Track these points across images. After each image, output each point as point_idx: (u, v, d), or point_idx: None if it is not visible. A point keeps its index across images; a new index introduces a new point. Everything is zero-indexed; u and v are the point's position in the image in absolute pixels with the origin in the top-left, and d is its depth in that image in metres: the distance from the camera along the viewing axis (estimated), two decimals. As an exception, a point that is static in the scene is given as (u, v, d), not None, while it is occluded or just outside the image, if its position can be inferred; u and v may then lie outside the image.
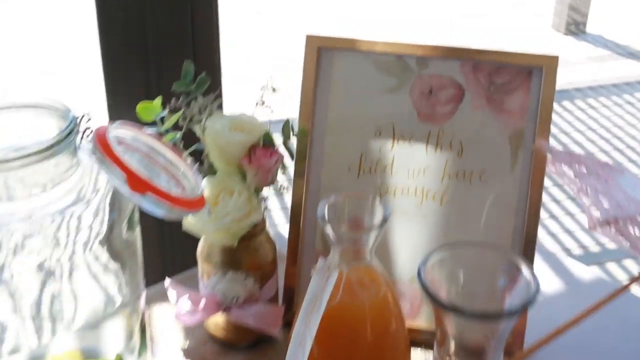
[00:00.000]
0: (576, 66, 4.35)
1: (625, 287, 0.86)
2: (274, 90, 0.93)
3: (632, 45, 4.78)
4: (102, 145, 0.68)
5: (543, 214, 2.86)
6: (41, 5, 4.75)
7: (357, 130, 0.95)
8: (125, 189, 0.67)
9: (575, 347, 0.96)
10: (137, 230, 0.78)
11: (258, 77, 3.71)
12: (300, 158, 0.95)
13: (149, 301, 1.03)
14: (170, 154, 0.79)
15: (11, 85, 3.88)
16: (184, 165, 0.79)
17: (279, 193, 0.92)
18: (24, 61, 4.16)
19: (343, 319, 0.77)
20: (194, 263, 0.96)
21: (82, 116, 0.71)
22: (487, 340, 0.66)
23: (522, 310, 0.61)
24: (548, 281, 1.12)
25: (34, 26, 4.42)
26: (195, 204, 0.74)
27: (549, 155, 0.88)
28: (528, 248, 0.92)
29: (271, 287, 0.93)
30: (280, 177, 0.89)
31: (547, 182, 3.02)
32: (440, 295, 0.65)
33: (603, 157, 3.36)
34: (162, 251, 1.40)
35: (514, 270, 0.68)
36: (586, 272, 1.14)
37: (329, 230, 0.74)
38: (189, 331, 0.99)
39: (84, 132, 0.71)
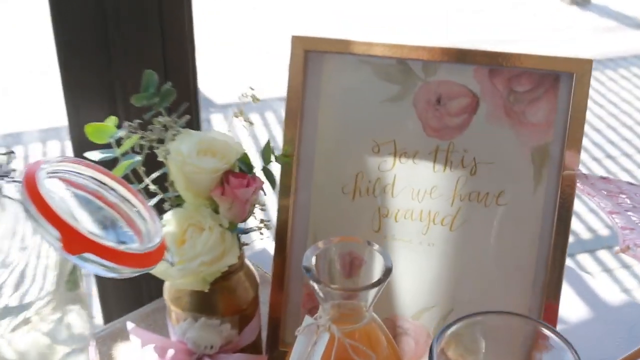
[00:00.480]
0: (581, 38, 4.19)
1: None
2: (255, 100, 0.79)
3: (639, 16, 4.61)
4: (30, 192, 0.54)
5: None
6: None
7: (353, 146, 0.81)
8: (59, 249, 0.53)
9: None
10: (82, 285, 0.64)
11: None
12: (286, 177, 0.81)
13: (115, 337, 0.90)
14: (123, 190, 0.64)
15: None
16: (139, 202, 0.64)
17: (257, 233, 0.76)
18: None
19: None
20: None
21: (8, 153, 0.57)
22: None
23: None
24: (574, 309, 0.98)
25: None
26: (151, 258, 0.60)
27: (579, 185, 0.74)
28: (553, 283, 0.78)
29: (252, 330, 0.80)
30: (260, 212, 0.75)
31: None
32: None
33: (611, 135, 3.21)
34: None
35: (541, 341, 0.54)
36: (613, 298, 1.01)
37: (316, 287, 0.60)
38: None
39: (5, 175, 0.56)
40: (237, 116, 0.80)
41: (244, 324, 0.78)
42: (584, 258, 2.53)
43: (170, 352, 0.77)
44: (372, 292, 0.60)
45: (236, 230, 0.74)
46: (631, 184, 0.71)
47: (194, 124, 1.12)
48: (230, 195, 0.70)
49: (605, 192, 0.72)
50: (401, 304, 0.83)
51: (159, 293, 0.82)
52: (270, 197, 0.83)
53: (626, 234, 0.83)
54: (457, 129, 0.79)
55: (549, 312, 0.79)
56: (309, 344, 0.62)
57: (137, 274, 0.61)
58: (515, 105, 0.78)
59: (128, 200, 0.64)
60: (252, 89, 0.79)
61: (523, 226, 0.79)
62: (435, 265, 0.81)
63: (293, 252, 0.84)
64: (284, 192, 0.82)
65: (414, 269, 0.82)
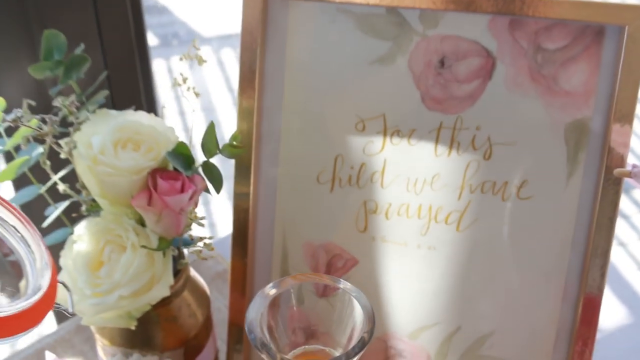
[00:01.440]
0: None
1: None
2: (201, 61, 0.59)
3: None
4: None
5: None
6: None
7: (330, 121, 0.62)
8: None
9: None
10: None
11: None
12: (243, 164, 0.62)
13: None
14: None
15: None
16: (20, 223, 0.46)
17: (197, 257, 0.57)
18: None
19: None
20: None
21: None
22: None
23: None
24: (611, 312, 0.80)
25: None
26: (33, 315, 0.42)
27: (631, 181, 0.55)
28: (591, 297, 0.60)
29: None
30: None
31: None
32: None
33: None
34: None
35: None
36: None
37: (266, 357, 0.42)
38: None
39: None
40: (179, 85, 0.60)
41: (192, 355, 0.61)
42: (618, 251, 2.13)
43: (97, 395, 0.60)
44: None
45: (173, 244, 0.56)
46: None
47: (139, 99, 0.89)
48: (159, 205, 0.52)
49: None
50: (395, 321, 0.65)
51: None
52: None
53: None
54: (467, 100, 0.60)
55: (584, 330, 0.61)
56: None
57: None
58: (544, 68, 0.58)
59: (5, 222, 0.45)
60: (197, 47, 0.60)
61: (552, 226, 0.61)
62: (437, 274, 0.63)
63: (256, 254, 0.66)
64: (242, 184, 0.63)
65: (410, 278, 0.64)
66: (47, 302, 0.43)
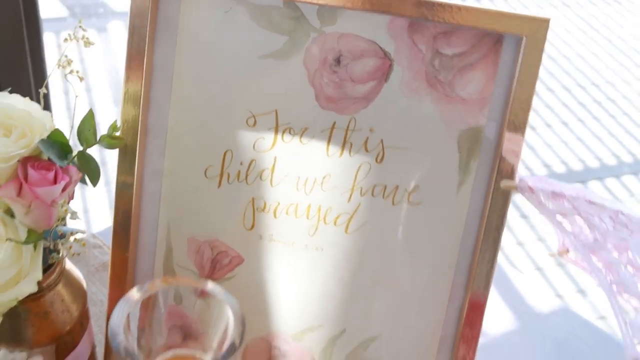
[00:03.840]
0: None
1: None
2: (88, 43, 0.56)
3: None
4: None
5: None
6: None
7: (220, 115, 0.60)
8: None
9: None
10: None
11: None
12: (126, 155, 0.59)
13: None
14: None
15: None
16: None
17: (69, 249, 0.54)
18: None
19: None
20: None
21: None
22: None
23: None
24: (496, 316, 0.81)
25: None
26: None
27: (528, 195, 0.55)
28: (475, 303, 0.60)
29: (80, 357, 0.60)
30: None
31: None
32: None
33: (565, 97, 2.96)
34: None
35: None
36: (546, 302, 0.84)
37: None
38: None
39: None
40: (63, 66, 0.57)
41: (65, 352, 0.58)
42: (515, 250, 2.15)
43: (-42, 392, 0.56)
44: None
45: (45, 236, 0.53)
46: (592, 202, 0.52)
47: (27, 79, 0.83)
48: (29, 196, 0.49)
49: (558, 216, 0.53)
50: (280, 321, 0.64)
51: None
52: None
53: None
54: (362, 101, 0.58)
55: (467, 333, 0.61)
56: None
57: None
58: (441, 73, 0.57)
59: None
60: (84, 29, 0.57)
61: (441, 232, 0.60)
62: (324, 275, 0.62)
63: (138, 248, 0.63)
64: (125, 173, 0.60)
65: (296, 278, 0.62)
66: None
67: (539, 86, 2.64)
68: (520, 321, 0.79)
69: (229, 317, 0.45)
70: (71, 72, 0.57)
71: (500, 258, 0.61)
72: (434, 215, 0.60)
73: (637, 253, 0.51)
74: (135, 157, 0.59)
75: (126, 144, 0.59)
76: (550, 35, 0.60)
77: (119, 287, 0.62)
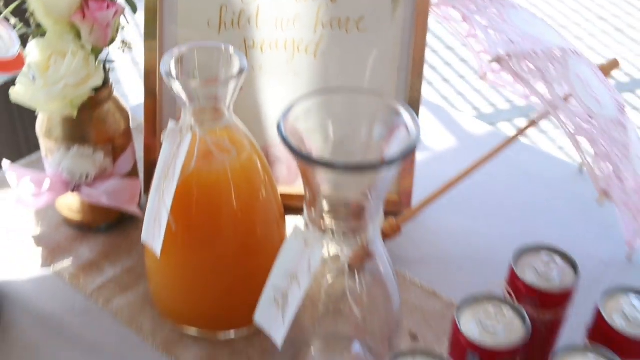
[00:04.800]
0: None
1: (514, 137, 0.79)
2: None
3: None
4: None
5: (434, 76, 2.75)
6: None
7: (215, -23, 0.83)
8: None
9: (467, 199, 0.89)
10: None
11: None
12: (150, 15, 0.82)
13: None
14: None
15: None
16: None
17: (126, 51, 0.77)
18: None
19: (202, 186, 0.66)
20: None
21: None
22: (365, 197, 0.57)
23: (401, 159, 0.52)
24: (437, 137, 1.04)
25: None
26: (10, 65, 0.61)
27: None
28: (412, 107, 0.83)
29: (127, 161, 0.82)
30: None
31: (437, 44, 2.88)
32: (304, 148, 0.55)
33: None
34: (13, 132, 1.26)
35: (392, 117, 0.57)
36: (477, 127, 1.07)
37: (177, 86, 0.62)
38: (40, 216, 0.88)
39: None
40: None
41: (118, 154, 0.81)
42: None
43: (47, 183, 0.79)
44: (230, 89, 0.63)
45: (101, 57, 0.75)
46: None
47: None
48: (91, 19, 0.71)
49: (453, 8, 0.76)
50: (272, 134, 0.87)
51: (37, 146, 0.83)
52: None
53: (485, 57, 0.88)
54: (316, -44, 0.82)
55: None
56: (174, 147, 0.64)
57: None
58: None
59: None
60: None
61: (383, 51, 0.83)
62: (301, 93, 0.85)
63: (163, 93, 0.85)
64: (150, 32, 0.82)
65: (282, 99, 0.85)
66: (18, 62, 0.63)
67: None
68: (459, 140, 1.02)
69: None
70: None
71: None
72: (377, 39, 0.83)
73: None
74: (157, 18, 0.82)
75: (149, 7, 0.81)
76: None
77: (151, 129, 0.85)
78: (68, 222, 0.85)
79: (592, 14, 3.22)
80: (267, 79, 0.85)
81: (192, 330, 0.74)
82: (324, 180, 0.56)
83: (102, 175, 0.79)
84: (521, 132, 0.78)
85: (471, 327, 0.59)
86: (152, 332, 0.75)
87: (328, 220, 0.57)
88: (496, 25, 0.76)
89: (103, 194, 0.78)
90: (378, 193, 0.57)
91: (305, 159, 0.53)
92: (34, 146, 0.95)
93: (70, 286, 0.80)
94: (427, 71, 2.52)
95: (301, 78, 0.84)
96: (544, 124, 1.01)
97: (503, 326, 0.59)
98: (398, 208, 0.85)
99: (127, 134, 0.81)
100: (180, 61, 0.64)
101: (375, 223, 0.59)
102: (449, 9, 0.82)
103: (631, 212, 0.77)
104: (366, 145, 0.58)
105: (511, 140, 0.79)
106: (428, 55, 2.15)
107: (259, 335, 0.74)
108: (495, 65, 0.89)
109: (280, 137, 0.53)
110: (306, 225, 0.59)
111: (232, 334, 0.75)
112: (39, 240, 0.85)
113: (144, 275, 0.79)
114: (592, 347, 0.57)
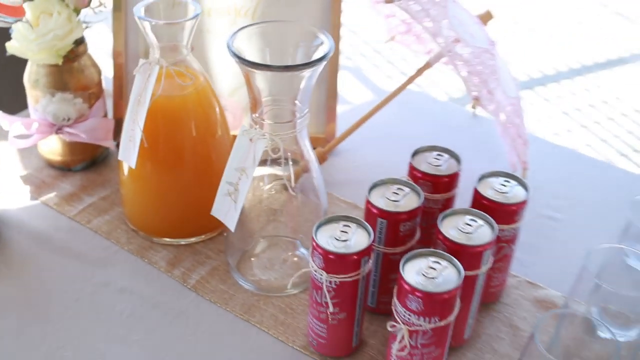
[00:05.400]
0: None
1: (412, 78, 0.98)
2: None
3: None
4: None
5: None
6: None
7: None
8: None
9: (380, 136, 1.09)
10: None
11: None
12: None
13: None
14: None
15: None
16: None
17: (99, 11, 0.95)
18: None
19: (167, 108, 0.84)
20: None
21: None
22: (293, 101, 0.75)
23: (319, 62, 0.71)
24: (357, 93, 1.24)
25: None
26: (15, 10, 0.78)
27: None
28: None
29: (100, 107, 0.99)
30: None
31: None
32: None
33: None
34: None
35: (313, 39, 0.76)
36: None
37: (147, 26, 0.80)
38: (25, 160, 1.04)
39: None
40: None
41: (93, 100, 0.98)
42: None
43: (35, 125, 0.95)
44: (187, 30, 0.81)
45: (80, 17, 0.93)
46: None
47: None
48: (73, -16, 0.89)
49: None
50: (219, 85, 1.05)
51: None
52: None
53: (392, 22, 1.08)
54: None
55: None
56: (145, 77, 0.82)
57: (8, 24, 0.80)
58: None
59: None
60: None
61: (310, 17, 1.02)
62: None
63: (129, 61, 1.03)
64: (117, 8, 1.00)
65: (225, 55, 1.03)
66: (21, 9, 0.80)
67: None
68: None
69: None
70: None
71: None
72: (305, 7, 1.02)
73: None
74: (122, -14, 1.00)
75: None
76: None
77: (118, 90, 1.02)
78: (50, 164, 1.02)
79: None
80: (214, 41, 1.03)
81: (160, 239, 0.91)
82: (262, 84, 0.74)
83: (80, 119, 0.96)
84: (420, 72, 0.98)
85: (380, 201, 0.78)
86: (127, 242, 0.92)
87: (267, 120, 0.76)
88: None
89: (83, 132, 0.95)
90: (303, 97, 0.75)
91: (248, 64, 0.71)
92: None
93: (56, 211, 0.97)
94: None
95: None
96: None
97: (404, 199, 0.78)
98: (325, 144, 1.04)
99: (100, 85, 0.99)
100: (148, 10, 0.82)
101: (304, 126, 0.78)
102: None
103: (510, 138, 0.97)
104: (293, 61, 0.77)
105: (410, 81, 0.99)
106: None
107: (214, 239, 0.92)
108: (401, 28, 1.09)
109: (229, 50, 0.72)
110: (251, 125, 0.77)
111: (192, 239, 0.92)
112: (25, 179, 1.01)
113: (117, 202, 0.97)
114: (469, 209, 0.77)
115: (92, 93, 0.97)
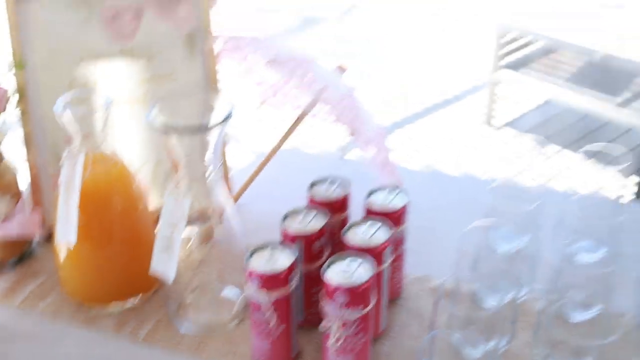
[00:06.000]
0: None
1: (290, 131, 1.15)
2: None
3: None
4: None
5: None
6: None
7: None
8: None
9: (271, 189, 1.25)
10: None
11: None
12: (21, 94, 1.11)
13: None
14: None
15: None
16: None
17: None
18: None
19: (93, 188, 0.97)
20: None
21: None
22: (204, 161, 0.91)
23: (220, 123, 0.87)
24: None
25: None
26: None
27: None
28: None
29: (22, 205, 1.10)
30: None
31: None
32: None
33: None
34: None
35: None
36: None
37: (67, 119, 0.93)
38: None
39: None
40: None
41: (15, 199, 1.09)
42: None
43: (-33, 228, 1.05)
44: (101, 119, 0.95)
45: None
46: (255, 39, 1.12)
47: None
48: (-13, 99, 1.01)
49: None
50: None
51: None
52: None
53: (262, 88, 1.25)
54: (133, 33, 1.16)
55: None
56: (72, 164, 0.95)
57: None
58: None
59: None
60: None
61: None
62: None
63: (38, 157, 1.15)
64: (24, 112, 1.12)
65: (127, 142, 1.17)
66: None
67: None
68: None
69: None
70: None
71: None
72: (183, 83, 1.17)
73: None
74: (25, 98, 1.12)
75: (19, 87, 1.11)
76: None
77: (35, 183, 1.14)
78: (-19, 264, 1.12)
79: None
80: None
81: (104, 307, 1.03)
82: (177, 150, 0.89)
83: (6, 218, 1.07)
84: (297, 123, 1.15)
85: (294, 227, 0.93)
86: (73, 316, 1.03)
87: (184, 181, 0.91)
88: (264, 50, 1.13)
89: (15, 226, 1.06)
90: (212, 156, 0.91)
91: (163, 130, 0.87)
92: None
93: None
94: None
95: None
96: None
97: (310, 222, 0.94)
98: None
99: (18, 185, 1.10)
100: (66, 104, 0.95)
101: (219, 183, 0.93)
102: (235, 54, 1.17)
103: (380, 165, 1.15)
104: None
105: (290, 132, 1.15)
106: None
107: (151, 297, 1.05)
108: (270, 92, 1.27)
109: (148, 122, 0.87)
110: (174, 186, 0.92)
111: (132, 301, 1.04)
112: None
113: (55, 286, 1.07)
114: (367, 218, 0.94)
115: (14, 193, 1.08)
